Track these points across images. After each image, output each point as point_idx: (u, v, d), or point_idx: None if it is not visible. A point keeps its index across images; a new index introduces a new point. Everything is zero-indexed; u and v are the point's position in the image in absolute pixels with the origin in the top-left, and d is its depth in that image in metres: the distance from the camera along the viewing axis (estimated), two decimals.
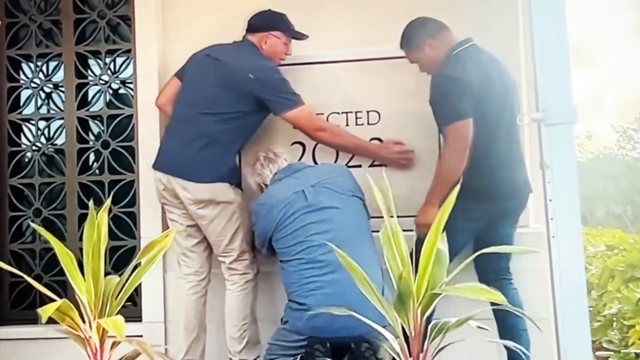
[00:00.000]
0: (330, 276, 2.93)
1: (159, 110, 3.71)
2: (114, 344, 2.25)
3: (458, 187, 2.07)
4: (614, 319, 4.88)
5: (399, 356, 2.00)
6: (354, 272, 2.07)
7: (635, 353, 4.11)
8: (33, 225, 2.61)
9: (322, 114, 3.68)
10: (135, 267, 2.38)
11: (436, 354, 2.00)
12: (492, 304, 3.02)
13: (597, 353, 4.65)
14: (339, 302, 2.46)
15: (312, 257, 2.99)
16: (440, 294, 1.93)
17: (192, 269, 3.51)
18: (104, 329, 2.19)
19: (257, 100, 3.39)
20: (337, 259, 2.89)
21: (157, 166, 3.47)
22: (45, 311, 2.03)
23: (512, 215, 3.33)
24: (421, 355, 1.99)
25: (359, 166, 3.64)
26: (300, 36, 3.58)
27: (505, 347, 3.23)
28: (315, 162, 3.74)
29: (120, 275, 2.35)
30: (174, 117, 3.52)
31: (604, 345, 4.74)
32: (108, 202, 2.38)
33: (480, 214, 3.18)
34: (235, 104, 3.38)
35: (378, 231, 2.25)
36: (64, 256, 2.26)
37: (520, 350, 2.51)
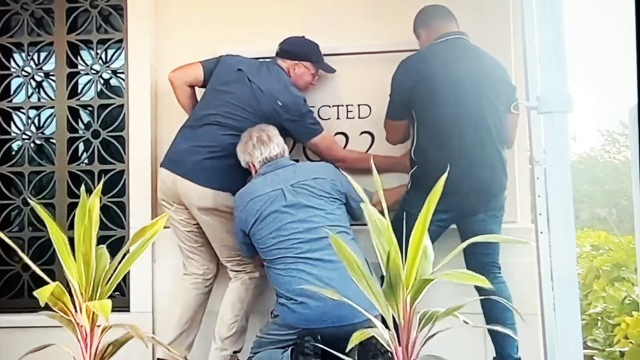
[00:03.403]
0: (317, 269, 2.94)
1: (171, 84, 3.56)
2: (104, 329, 2.25)
3: (444, 176, 2.07)
4: (599, 317, 4.91)
5: (388, 345, 2.01)
6: (346, 259, 2.07)
7: (620, 351, 4.13)
8: (32, 202, 2.59)
9: (314, 107, 3.69)
10: (124, 255, 2.38)
11: (425, 342, 2.01)
12: (480, 294, 3.03)
13: (582, 352, 4.67)
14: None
15: (297, 253, 2.99)
16: (430, 281, 1.94)
17: (199, 270, 3.52)
18: (94, 313, 2.20)
19: (280, 127, 3.38)
20: (323, 254, 2.92)
21: (165, 164, 3.45)
22: (41, 293, 2.03)
23: (482, 213, 3.24)
24: (410, 344, 2.00)
25: None
26: (329, 69, 3.62)
27: (493, 340, 3.25)
28: (308, 157, 3.76)
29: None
30: (192, 119, 3.47)
31: (589, 344, 4.76)
32: (99, 187, 2.39)
33: (441, 207, 3.08)
34: (256, 125, 3.34)
35: None
36: (58, 240, 2.27)
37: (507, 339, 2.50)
